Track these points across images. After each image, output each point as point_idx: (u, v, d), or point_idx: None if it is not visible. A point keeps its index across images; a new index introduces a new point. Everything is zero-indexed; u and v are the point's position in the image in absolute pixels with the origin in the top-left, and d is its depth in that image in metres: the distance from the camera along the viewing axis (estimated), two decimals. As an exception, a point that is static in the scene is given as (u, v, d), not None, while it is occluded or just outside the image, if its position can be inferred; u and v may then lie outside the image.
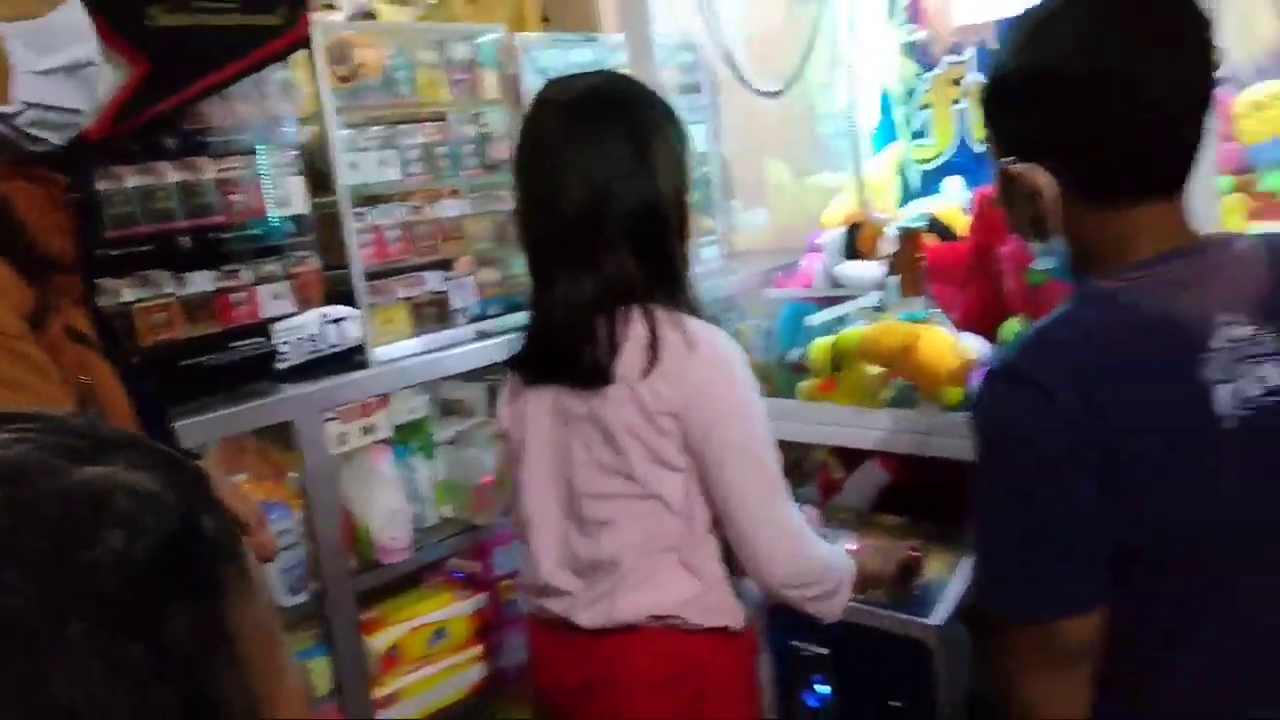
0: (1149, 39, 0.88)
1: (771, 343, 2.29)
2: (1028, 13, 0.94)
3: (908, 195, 2.35)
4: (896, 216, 2.26)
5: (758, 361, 2.28)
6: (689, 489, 1.22)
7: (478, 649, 1.97)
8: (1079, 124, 0.89)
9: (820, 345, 1.77)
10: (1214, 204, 1.59)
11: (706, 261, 2.47)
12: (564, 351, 1.22)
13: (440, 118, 1.93)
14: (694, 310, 1.24)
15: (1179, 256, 0.91)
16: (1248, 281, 0.91)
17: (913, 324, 1.72)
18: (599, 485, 1.23)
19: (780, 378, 2.02)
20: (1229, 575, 0.90)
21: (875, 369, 1.73)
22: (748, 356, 2.14)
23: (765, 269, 2.39)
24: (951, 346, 1.66)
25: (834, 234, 2.06)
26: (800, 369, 1.93)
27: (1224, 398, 0.88)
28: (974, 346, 1.65)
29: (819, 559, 1.24)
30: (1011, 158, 0.93)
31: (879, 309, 1.88)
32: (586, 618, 1.25)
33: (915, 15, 2.26)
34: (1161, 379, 0.88)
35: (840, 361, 1.75)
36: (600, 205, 1.18)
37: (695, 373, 1.17)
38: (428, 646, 1.89)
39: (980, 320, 1.73)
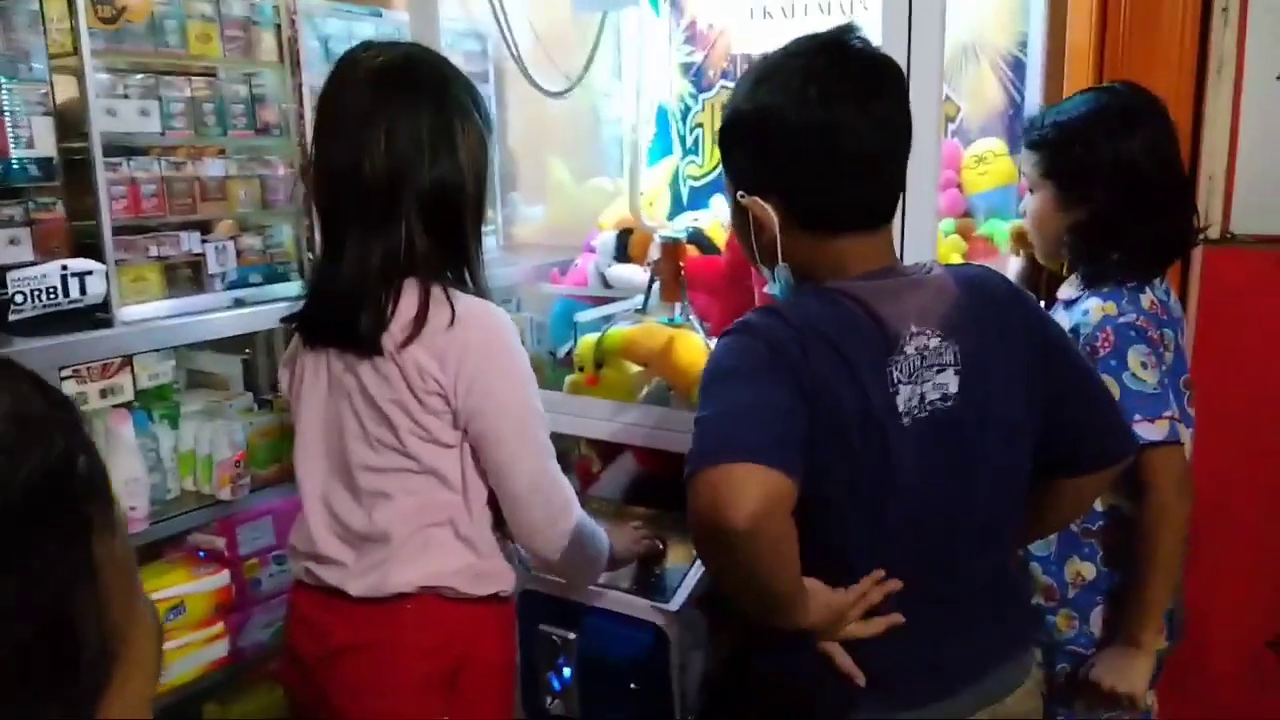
0: (849, 95, 1.03)
1: (544, 336, 2.35)
2: (757, 64, 1.08)
3: (679, 207, 2.49)
4: (665, 226, 2.39)
5: (530, 354, 2.34)
6: (465, 464, 1.25)
7: (217, 627, 1.89)
8: (792, 167, 1.04)
9: (587, 342, 1.85)
10: (935, 244, 1.82)
11: (485, 251, 2.48)
12: (339, 317, 1.21)
13: (210, 73, 1.84)
14: (480, 293, 1.26)
15: (883, 275, 1.08)
16: (938, 302, 1.08)
17: (669, 327, 1.84)
18: (372, 458, 1.24)
19: (550, 370, 2.08)
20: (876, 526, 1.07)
21: (636, 367, 1.83)
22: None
23: (542, 263, 2.44)
24: (703, 350, 1.79)
25: (607, 237, 2.15)
26: (569, 363, 2.00)
27: (905, 397, 1.04)
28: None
29: (586, 532, 1.31)
30: (741, 191, 1.07)
31: (641, 311, 1.98)
32: (357, 588, 1.25)
33: (694, 38, 2.39)
34: (860, 365, 1.03)
35: (604, 359, 1.83)
36: (400, 177, 1.19)
37: (458, 347, 1.19)
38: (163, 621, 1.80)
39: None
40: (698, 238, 2.22)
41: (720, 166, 2.40)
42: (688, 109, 2.45)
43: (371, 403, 1.21)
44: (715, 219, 2.31)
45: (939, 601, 1.11)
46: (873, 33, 1.40)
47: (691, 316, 1.92)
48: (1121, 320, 1.41)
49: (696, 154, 2.47)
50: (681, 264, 2.00)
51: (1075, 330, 1.43)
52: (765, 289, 1.14)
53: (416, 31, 1.91)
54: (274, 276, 1.95)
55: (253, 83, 1.90)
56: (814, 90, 1.02)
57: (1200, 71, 1.84)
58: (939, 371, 1.06)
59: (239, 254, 1.89)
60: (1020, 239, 1.70)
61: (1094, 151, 1.44)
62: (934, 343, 1.06)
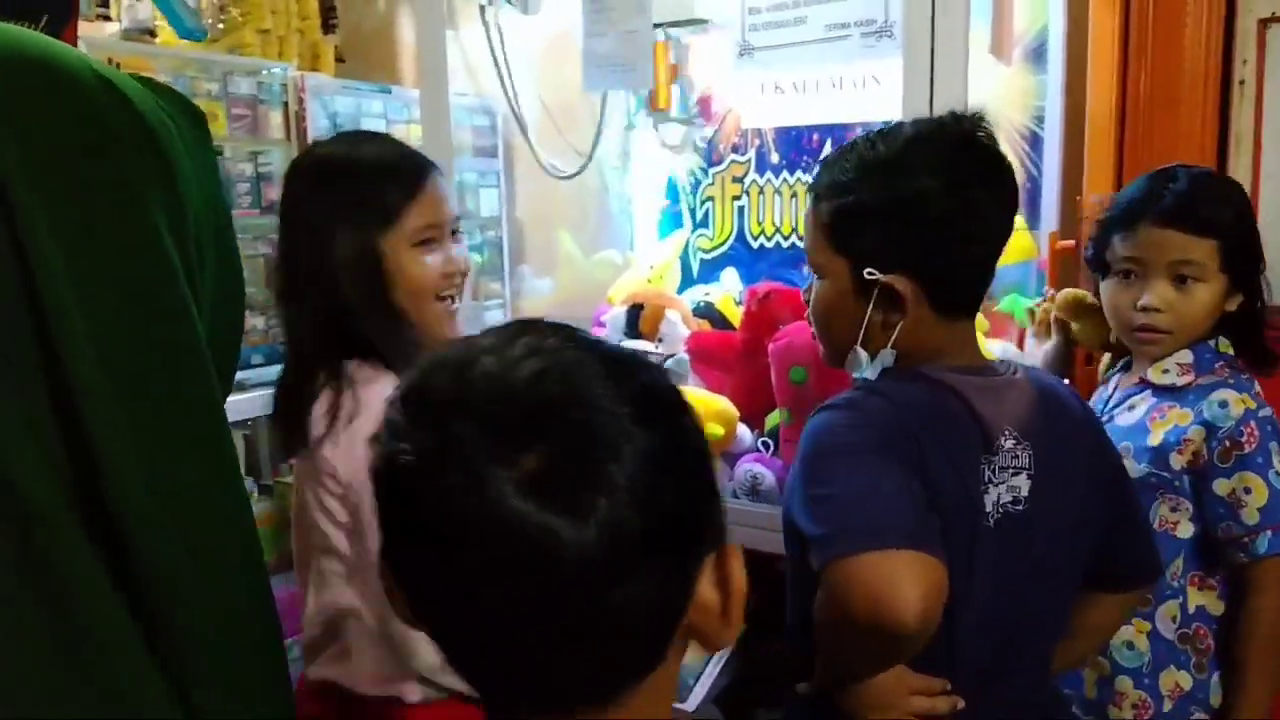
0: (986, 181, 1.06)
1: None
2: (871, 151, 1.07)
3: (689, 281, 2.45)
4: (673, 303, 2.35)
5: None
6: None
7: None
8: (937, 247, 1.04)
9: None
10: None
11: (491, 325, 2.45)
12: (278, 413, 1.25)
13: (216, 152, 1.82)
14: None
15: (981, 372, 1.08)
16: (1021, 404, 1.08)
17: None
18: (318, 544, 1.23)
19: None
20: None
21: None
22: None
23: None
24: (708, 395, 1.75)
25: (617, 312, 2.10)
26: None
27: (991, 499, 1.03)
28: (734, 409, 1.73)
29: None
30: (870, 269, 1.04)
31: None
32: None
33: (704, 113, 2.38)
34: (961, 462, 1.01)
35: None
36: (291, 266, 1.24)
37: (354, 444, 1.16)
38: None
39: (746, 408, 1.81)
40: (709, 312, 2.18)
41: (728, 240, 2.43)
42: (698, 182, 2.43)
43: (303, 499, 1.23)
44: (726, 293, 2.28)
45: (986, 714, 1.04)
46: (890, 106, 1.37)
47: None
48: (1262, 414, 1.36)
49: (707, 227, 2.44)
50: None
51: (1206, 424, 1.36)
52: (852, 372, 1.11)
53: (425, 107, 1.89)
54: (277, 357, 1.90)
55: (259, 161, 1.88)
56: (960, 174, 1.04)
57: (1221, 145, 1.81)
58: (1014, 474, 1.06)
59: (241, 333, 1.85)
60: (1068, 315, 1.64)
61: (1259, 244, 1.42)
62: (1013, 444, 1.06)
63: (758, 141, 2.33)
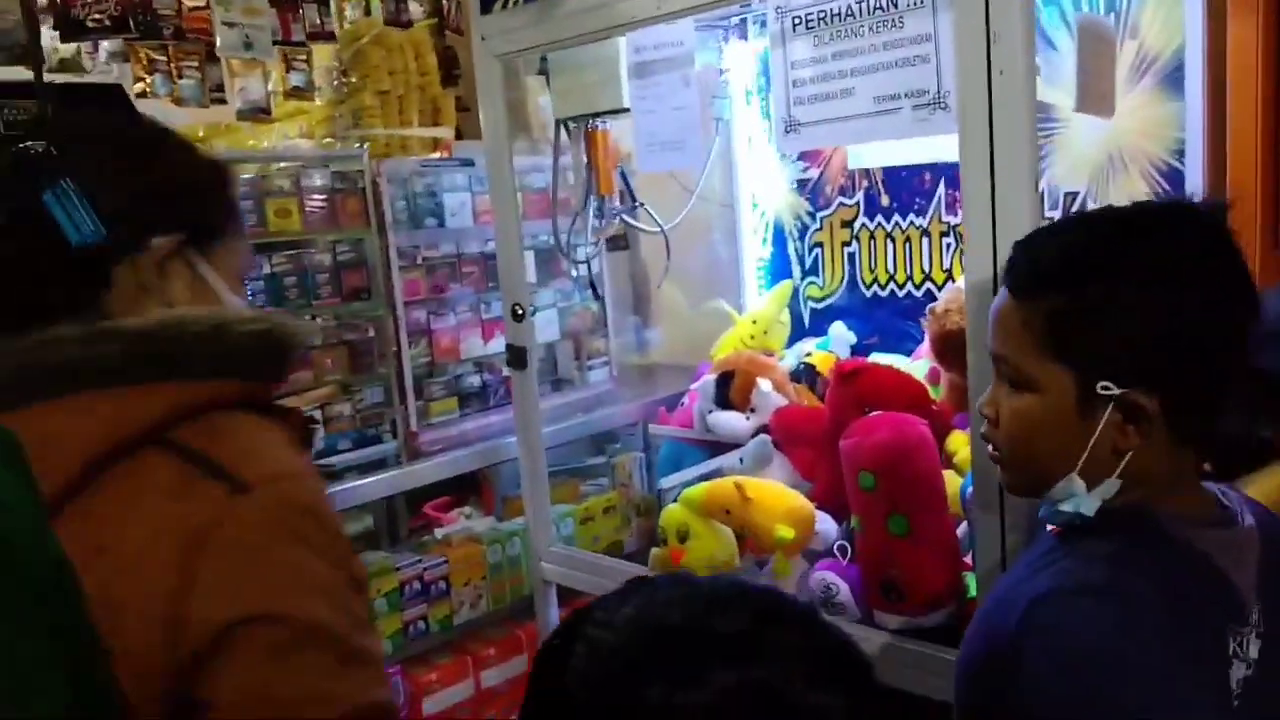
0: (1242, 285, 0.89)
1: (652, 476, 2.22)
2: (1109, 241, 0.90)
3: (800, 331, 2.30)
4: (780, 355, 2.22)
5: (637, 494, 2.22)
6: None
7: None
8: (1196, 360, 0.87)
9: (670, 513, 1.70)
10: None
11: (594, 384, 2.40)
12: None
13: (293, 245, 1.86)
14: None
15: (1221, 523, 0.91)
16: (1253, 554, 0.90)
17: (735, 475, 1.68)
18: None
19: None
20: None
21: (728, 535, 1.66)
22: (625, 488, 2.07)
23: (650, 399, 2.32)
24: (781, 489, 1.61)
25: (707, 381, 1.99)
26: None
27: (1235, 675, 0.86)
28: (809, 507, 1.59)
29: None
30: (1104, 383, 0.87)
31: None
32: None
33: (807, 154, 2.22)
34: (1219, 648, 0.85)
35: (686, 530, 1.67)
36: None
37: None
38: None
39: (834, 496, 1.66)
40: (809, 376, 2.03)
41: (839, 289, 2.25)
42: (805, 227, 2.27)
43: None
44: (830, 353, 2.11)
45: None
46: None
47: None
48: None
49: (817, 274, 2.28)
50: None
51: None
52: (1060, 504, 0.91)
53: (492, 173, 1.85)
54: (364, 441, 1.93)
55: (337, 250, 1.90)
56: (1220, 277, 0.87)
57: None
58: (1250, 639, 0.88)
59: (326, 421, 1.89)
60: None
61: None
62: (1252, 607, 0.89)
63: (865, 183, 2.15)
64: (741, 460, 1.79)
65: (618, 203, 1.84)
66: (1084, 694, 0.79)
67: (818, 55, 1.32)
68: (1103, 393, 0.86)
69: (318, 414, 1.88)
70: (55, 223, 0.80)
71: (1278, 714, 0.89)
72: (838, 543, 1.52)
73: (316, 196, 1.86)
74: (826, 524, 1.60)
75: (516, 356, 1.83)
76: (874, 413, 1.57)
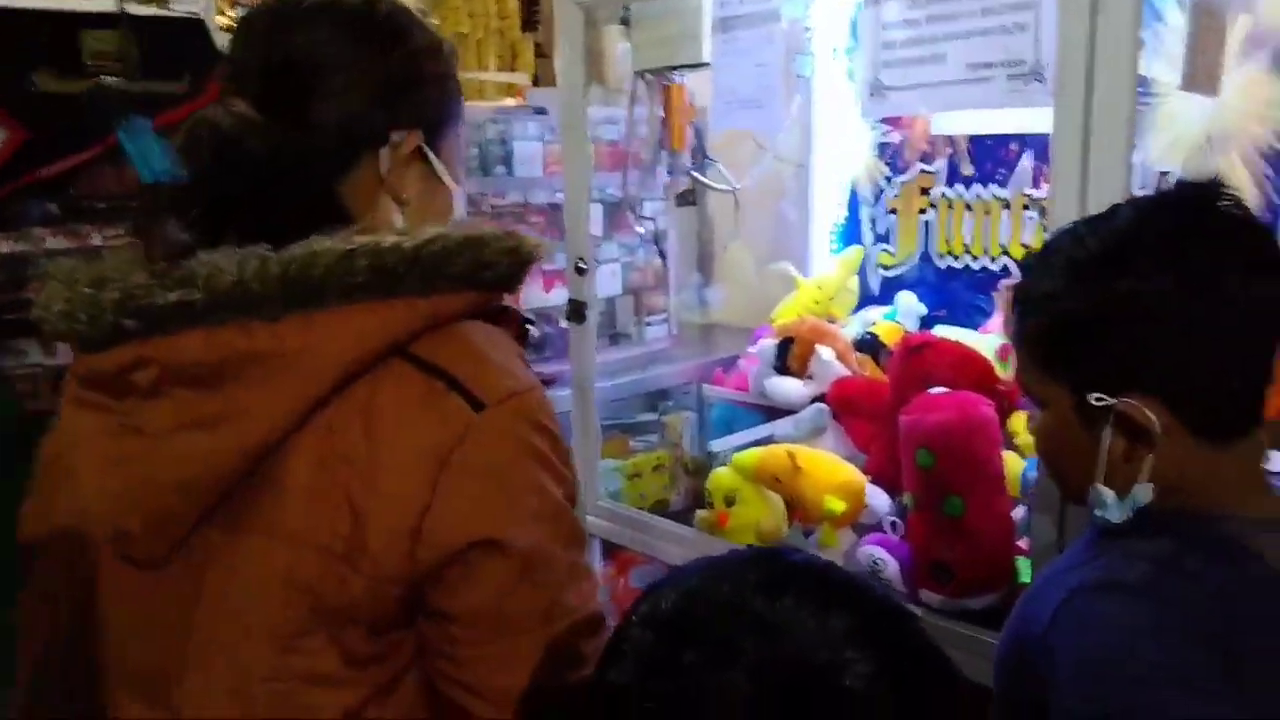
0: (1240, 259, 0.82)
1: (704, 437, 2.21)
2: (1079, 247, 0.86)
3: (868, 299, 2.25)
4: (845, 322, 2.17)
5: (687, 455, 2.21)
6: None
7: None
8: (1186, 358, 0.83)
9: (719, 476, 1.68)
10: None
11: (651, 341, 2.39)
12: None
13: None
14: None
15: None
16: None
17: (791, 443, 1.66)
18: None
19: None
20: None
21: (777, 501, 1.65)
22: (675, 447, 2.05)
23: (707, 359, 2.30)
24: (834, 460, 1.58)
25: (767, 345, 1.96)
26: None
27: None
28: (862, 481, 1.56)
29: None
30: (1097, 395, 0.85)
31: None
32: None
33: (892, 117, 2.15)
34: (1274, 656, 0.79)
35: (734, 495, 1.66)
36: None
37: None
38: None
39: (889, 471, 1.63)
40: (872, 346, 1.99)
41: (912, 257, 2.18)
42: (881, 192, 2.21)
43: None
44: (896, 324, 2.06)
45: None
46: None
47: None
48: None
49: (889, 242, 2.22)
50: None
51: None
52: (1096, 512, 0.89)
53: (565, 122, 1.82)
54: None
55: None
56: (1198, 260, 0.82)
57: None
58: None
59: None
60: None
61: None
62: None
63: (949, 150, 2.07)
64: (796, 428, 1.76)
65: (689, 159, 1.80)
66: (1103, 694, 0.77)
67: (911, 17, 1.26)
68: (1096, 404, 0.83)
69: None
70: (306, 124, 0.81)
71: None
72: (889, 518, 1.49)
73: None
74: (878, 498, 1.58)
75: (576, 311, 1.82)
76: (937, 389, 1.53)
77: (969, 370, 1.56)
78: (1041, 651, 0.83)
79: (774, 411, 1.96)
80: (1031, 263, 0.91)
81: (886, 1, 1.29)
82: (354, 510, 0.75)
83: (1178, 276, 0.81)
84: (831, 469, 1.54)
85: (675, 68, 1.68)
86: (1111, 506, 0.87)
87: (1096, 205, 1.08)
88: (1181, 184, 0.87)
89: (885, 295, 2.23)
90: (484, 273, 0.81)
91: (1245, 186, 1.63)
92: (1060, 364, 0.87)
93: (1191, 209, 0.85)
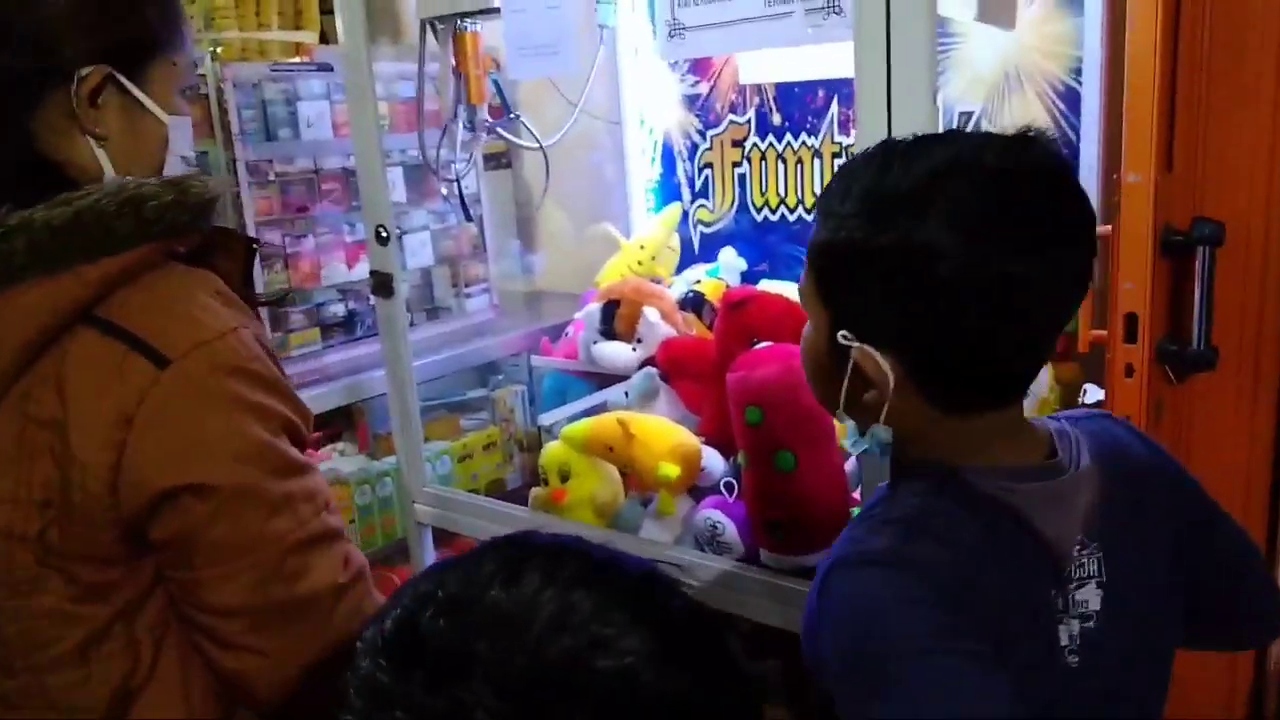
0: (1040, 239, 0.75)
1: (536, 410, 2.12)
2: (881, 175, 0.78)
3: (689, 257, 2.21)
4: (669, 282, 2.12)
5: (519, 430, 2.12)
6: None
7: None
8: (941, 327, 0.76)
9: (551, 451, 1.60)
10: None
11: (473, 313, 2.26)
12: None
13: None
14: None
15: (1041, 475, 0.82)
16: (1087, 500, 0.83)
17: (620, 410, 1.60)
18: None
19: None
20: None
21: (612, 473, 1.58)
22: (506, 423, 1.95)
23: (534, 328, 2.20)
24: (666, 425, 1.53)
25: (592, 310, 1.88)
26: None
27: (1066, 631, 0.81)
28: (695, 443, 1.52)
29: None
30: (844, 332, 0.80)
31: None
32: None
33: (697, 67, 2.09)
34: (1029, 604, 0.80)
35: (568, 468, 1.58)
36: None
37: None
38: None
39: (721, 431, 1.58)
40: (697, 304, 1.94)
41: (729, 212, 2.15)
42: (695, 146, 2.16)
43: None
44: (719, 280, 2.03)
45: None
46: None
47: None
48: None
49: (707, 197, 2.18)
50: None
51: None
52: (846, 442, 0.88)
53: (350, 80, 1.68)
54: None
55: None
56: (991, 231, 0.74)
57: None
58: (1080, 586, 0.82)
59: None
60: None
61: None
62: (1079, 551, 0.82)
63: (757, 100, 2.04)
64: (627, 394, 1.70)
65: (487, 114, 1.68)
66: (859, 676, 0.76)
67: (703, -49, 1.19)
68: (842, 342, 0.79)
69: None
70: None
71: (1133, 664, 0.85)
72: (724, 479, 1.45)
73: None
74: (713, 460, 1.53)
75: (381, 284, 1.68)
76: (762, 344, 1.50)
77: (792, 323, 1.53)
78: (817, 622, 0.80)
79: (605, 378, 1.89)
80: (838, 173, 0.84)
81: (679, -63, 1.22)
82: (59, 467, 0.80)
83: (962, 239, 0.73)
84: (664, 434, 1.48)
85: (464, 15, 1.56)
86: (855, 438, 0.85)
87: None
88: (1011, 138, 0.79)
89: (707, 252, 2.20)
90: (153, 228, 0.83)
91: (1042, 122, 1.66)
92: (827, 288, 0.82)
93: (1007, 169, 0.76)
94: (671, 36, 1.28)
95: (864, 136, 1.08)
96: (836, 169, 0.84)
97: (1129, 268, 1.47)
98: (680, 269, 2.20)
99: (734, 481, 1.44)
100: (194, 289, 0.85)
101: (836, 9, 1.09)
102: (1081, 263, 0.78)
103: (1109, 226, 1.47)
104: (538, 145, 1.84)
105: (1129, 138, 1.46)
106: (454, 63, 1.60)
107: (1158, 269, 1.45)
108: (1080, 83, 1.62)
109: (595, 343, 1.87)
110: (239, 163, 1.76)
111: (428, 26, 1.62)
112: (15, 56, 0.81)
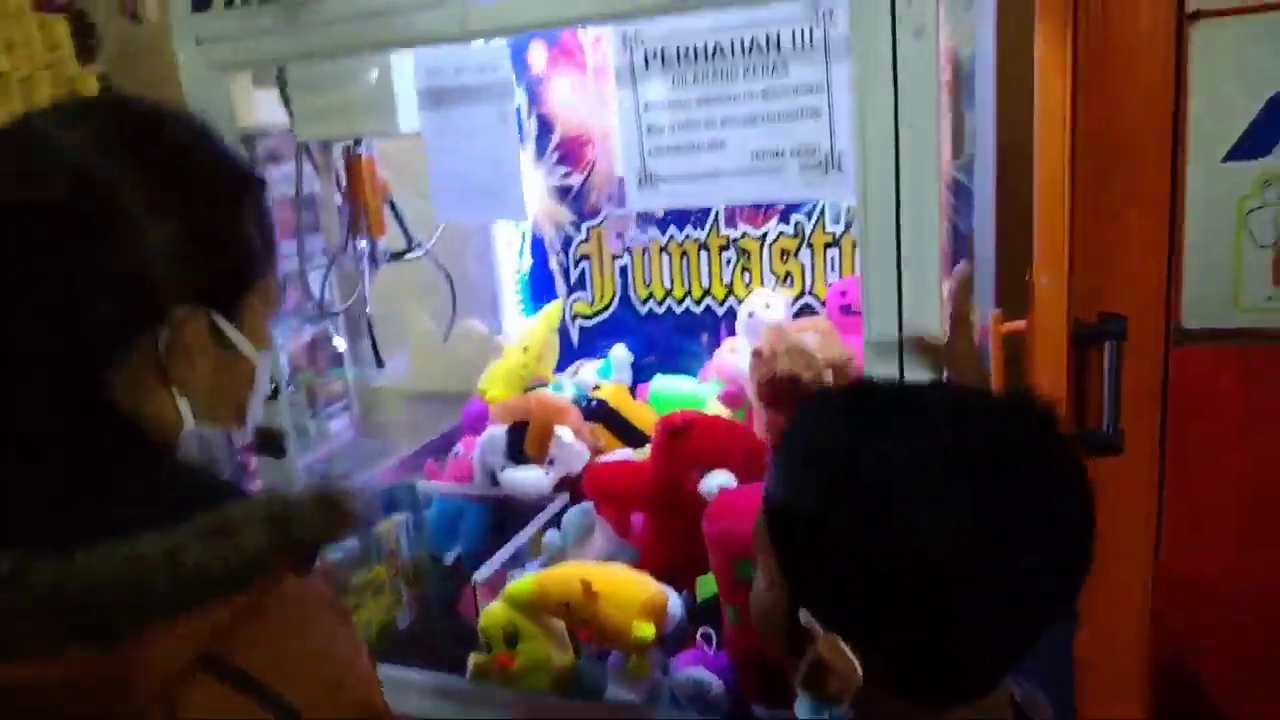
0: (1026, 533, 0.68)
1: (422, 539, 1.93)
2: (846, 434, 0.70)
3: (570, 354, 2.10)
4: (553, 381, 2.01)
5: (407, 563, 1.92)
6: None
7: None
8: (926, 627, 0.69)
9: (492, 614, 1.45)
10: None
11: (335, 436, 2.04)
12: None
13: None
14: None
15: None
16: None
17: (580, 564, 1.48)
18: None
19: (437, 584, 1.72)
20: None
21: (554, 638, 1.45)
22: (392, 561, 1.77)
23: (409, 449, 2.01)
24: (628, 576, 1.42)
25: (496, 434, 1.74)
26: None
27: None
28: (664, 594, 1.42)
29: None
30: (810, 617, 0.72)
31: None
32: None
33: (567, 157, 1.99)
34: None
35: (514, 633, 1.43)
36: None
37: None
38: None
39: (668, 564, 1.50)
40: (602, 413, 1.84)
41: (612, 304, 2.06)
42: (570, 239, 2.05)
43: None
44: (617, 383, 1.94)
45: None
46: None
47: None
48: None
49: (584, 289, 2.08)
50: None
51: None
52: (796, 709, 0.78)
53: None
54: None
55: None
56: (993, 530, 0.67)
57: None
58: None
59: None
60: None
61: None
62: None
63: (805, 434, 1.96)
64: (563, 535, 1.57)
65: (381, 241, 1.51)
66: None
67: (678, 98, 1.10)
68: (805, 623, 0.73)
69: None
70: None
71: None
72: (701, 631, 1.37)
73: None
74: (674, 604, 1.44)
75: (267, 441, 1.46)
76: (713, 475, 1.43)
77: (737, 447, 1.47)
78: None
79: (501, 501, 1.76)
80: (805, 423, 0.76)
81: (646, 81, 1.12)
82: None
83: (963, 548, 0.66)
84: (631, 588, 1.37)
85: (357, 140, 1.38)
86: (805, 708, 0.78)
87: (915, 292, 1.02)
88: (1009, 406, 0.73)
89: (587, 346, 2.10)
90: (291, 551, 0.66)
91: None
92: (789, 559, 0.75)
93: (1006, 460, 0.69)
94: (642, 186, 1.18)
95: (871, 284, 1.04)
96: (799, 414, 0.77)
97: (1044, 363, 1.53)
98: (561, 366, 2.09)
99: (711, 632, 1.36)
100: (313, 607, 0.69)
101: (836, 165, 1.04)
102: (1085, 554, 0.72)
103: (1022, 322, 1.53)
104: (422, 252, 1.67)
105: (1041, 242, 1.52)
106: (340, 192, 1.41)
107: (1070, 363, 1.53)
108: (971, 180, 1.67)
109: (503, 468, 1.73)
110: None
111: (304, 149, 1.42)
112: (113, 303, 0.64)
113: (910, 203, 1.00)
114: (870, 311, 1.04)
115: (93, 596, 0.57)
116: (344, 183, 1.39)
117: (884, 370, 1.04)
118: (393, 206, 1.50)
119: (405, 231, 1.56)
